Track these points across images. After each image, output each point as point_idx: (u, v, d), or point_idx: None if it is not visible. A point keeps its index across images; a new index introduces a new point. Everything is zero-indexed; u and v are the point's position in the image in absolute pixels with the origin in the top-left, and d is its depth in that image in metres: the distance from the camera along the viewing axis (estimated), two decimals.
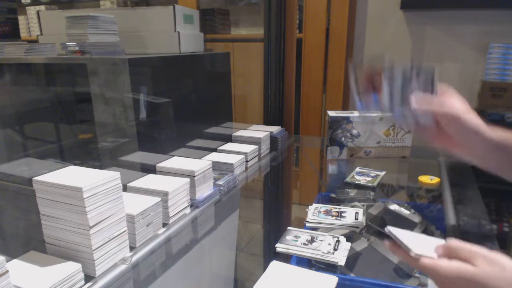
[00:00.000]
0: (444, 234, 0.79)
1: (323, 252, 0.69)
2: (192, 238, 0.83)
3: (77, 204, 0.60)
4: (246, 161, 1.17)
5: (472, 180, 1.05)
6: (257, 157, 1.25)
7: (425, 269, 0.45)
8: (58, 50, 1.02)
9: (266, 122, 1.66)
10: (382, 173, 1.15)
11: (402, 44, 1.89)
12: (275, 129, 1.39)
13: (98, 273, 0.63)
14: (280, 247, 0.72)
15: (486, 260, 0.42)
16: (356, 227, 0.81)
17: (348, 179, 1.11)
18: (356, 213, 0.85)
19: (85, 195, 0.59)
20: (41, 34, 1.25)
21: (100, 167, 0.94)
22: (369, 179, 1.10)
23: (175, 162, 0.96)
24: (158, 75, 1.00)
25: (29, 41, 1.10)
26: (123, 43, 1.02)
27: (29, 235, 0.77)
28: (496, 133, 0.53)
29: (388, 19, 1.89)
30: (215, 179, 1.00)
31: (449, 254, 0.45)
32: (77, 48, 0.93)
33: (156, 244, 0.75)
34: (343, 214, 0.85)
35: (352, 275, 0.67)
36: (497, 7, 1.68)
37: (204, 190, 0.94)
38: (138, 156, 0.92)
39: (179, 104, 1.07)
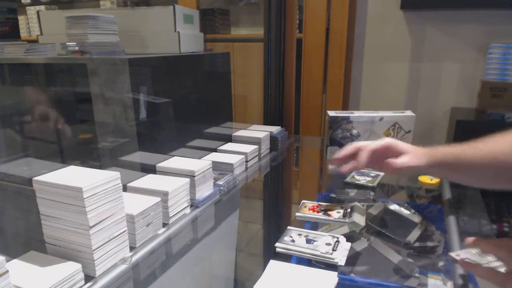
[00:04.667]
0: (444, 234, 0.79)
1: (322, 252, 0.69)
2: (192, 238, 0.83)
3: (77, 204, 0.60)
4: (246, 161, 1.17)
5: None
6: (257, 157, 1.26)
7: None
8: (58, 50, 1.02)
9: (266, 122, 1.66)
10: (382, 173, 1.15)
11: (402, 44, 1.89)
12: (275, 129, 1.39)
13: (98, 273, 0.64)
14: (279, 247, 0.72)
15: None
16: (344, 222, 0.82)
17: (348, 179, 1.11)
18: (345, 211, 0.87)
19: (85, 195, 0.59)
20: (41, 34, 1.25)
21: (100, 167, 0.94)
22: (369, 179, 1.10)
23: (175, 162, 0.96)
24: (158, 75, 1.00)
25: (29, 41, 1.10)
26: (123, 43, 1.02)
27: (29, 235, 0.77)
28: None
29: (388, 19, 1.89)
30: (215, 179, 1.00)
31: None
32: (77, 48, 0.93)
33: (156, 244, 0.75)
34: (328, 212, 0.87)
35: (352, 275, 0.67)
36: (497, 7, 1.68)
37: (204, 190, 0.94)
38: (138, 156, 0.92)
39: (179, 104, 1.07)
